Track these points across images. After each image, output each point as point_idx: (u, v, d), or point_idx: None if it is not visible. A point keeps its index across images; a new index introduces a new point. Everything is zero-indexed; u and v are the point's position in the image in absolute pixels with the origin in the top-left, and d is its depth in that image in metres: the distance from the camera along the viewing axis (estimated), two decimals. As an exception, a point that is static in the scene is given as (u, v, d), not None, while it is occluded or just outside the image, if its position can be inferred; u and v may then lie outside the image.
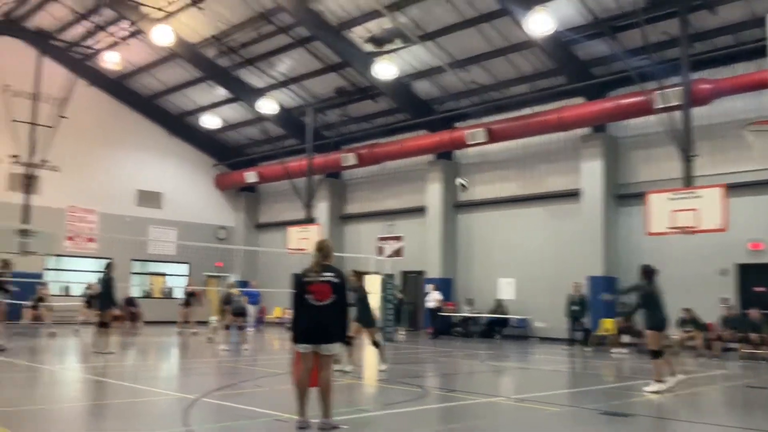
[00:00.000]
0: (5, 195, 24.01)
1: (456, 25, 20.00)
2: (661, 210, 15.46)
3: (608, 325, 18.78)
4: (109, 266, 14.51)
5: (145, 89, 28.80)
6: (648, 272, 10.60)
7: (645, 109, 17.93)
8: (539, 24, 17.84)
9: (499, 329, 22.16)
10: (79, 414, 7.99)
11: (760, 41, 11.24)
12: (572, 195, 20.98)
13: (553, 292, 20.05)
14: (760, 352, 15.33)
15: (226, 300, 16.99)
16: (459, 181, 21.96)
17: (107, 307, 14.20)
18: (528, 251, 22.04)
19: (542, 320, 21.48)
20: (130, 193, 28.70)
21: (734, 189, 16.15)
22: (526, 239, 22.17)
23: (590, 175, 20.39)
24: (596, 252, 19.92)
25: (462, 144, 22.74)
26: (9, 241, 20.06)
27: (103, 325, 13.98)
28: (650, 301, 10.36)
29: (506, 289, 22.51)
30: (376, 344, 11.85)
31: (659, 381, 9.85)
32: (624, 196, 20.09)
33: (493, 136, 21.79)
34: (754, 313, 15.69)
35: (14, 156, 23.12)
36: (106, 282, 14.27)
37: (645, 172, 19.85)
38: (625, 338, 18.02)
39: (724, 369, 13.80)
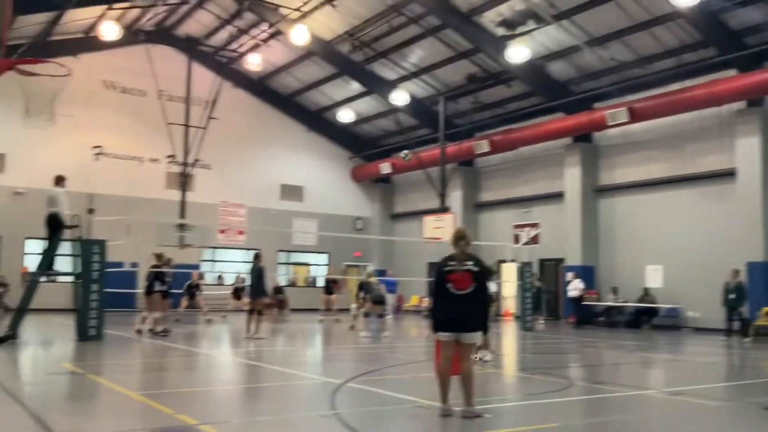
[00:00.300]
0: (164, 193, 26.05)
1: (593, 0, 19.13)
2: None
3: (771, 314, 17.29)
4: (257, 257, 15.32)
5: (285, 88, 30.09)
6: None
7: (811, 78, 16.28)
8: (685, -7, 16.66)
9: (647, 319, 21.07)
10: (236, 396, 8.53)
11: None
12: (727, 175, 19.48)
13: (707, 280, 18.77)
14: None
15: (365, 288, 17.42)
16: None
17: (259, 295, 15.01)
18: (677, 236, 20.75)
19: (695, 309, 20.17)
20: (274, 188, 30.16)
21: None
22: (675, 223, 20.88)
23: (747, 152, 18.82)
24: (756, 236, 18.38)
25: (602, 125, 21.79)
26: (169, 235, 21.78)
27: (255, 312, 14.82)
28: None
29: (654, 277, 21.35)
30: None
31: None
32: (788, 174, 18.36)
33: (636, 116, 20.69)
34: None
35: (171, 156, 25.06)
36: (258, 272, 15.05)
37: (813, 146, 18.03)
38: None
39: None
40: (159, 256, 16.06)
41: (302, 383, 9.36)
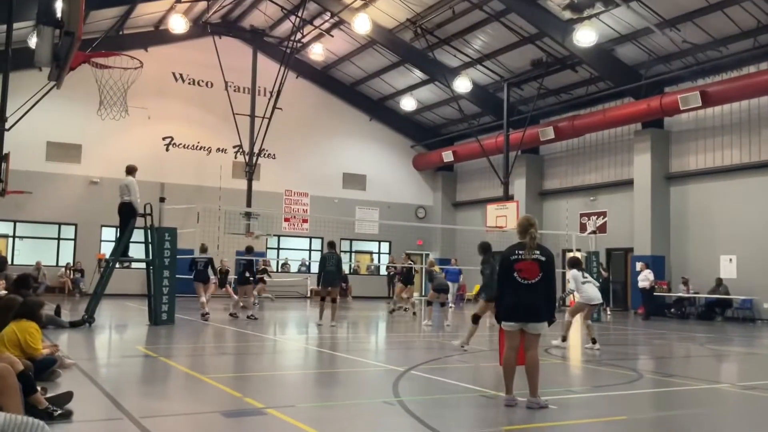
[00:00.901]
0: (231, 182, 26.65)
1: (664, -19, 18.46)
2: None
3: None
4: (332, 245, 15.39)
5: (347, 77, 30.26)
6: None
7: None
8: (765, -30, 15.85)
9: (719, 311, 20.34)
10: (301, 381, 8.68)
11: None
12: (808, 161, 18.53)
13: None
14: None
15: (429, 277, 17.39)
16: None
17: (335, 283, 14.96)
18: (754, 225, 19.91)
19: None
20: (337, 177, 30.45)
21: None
22: (752, 212, 20.03)
23: (831, 137, 17.83)
24: (840, 225, 17.43)
25: (674, 110, 21.06)
26: (237, 224, 22.30)
27: (330, 299, 14.83)
28: None
29: (727, 268, 20.57)
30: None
31: None
32: None
33: (710, 100, 19.91)
34: None
35: (237, 146, 25.61)
36: (336, 260, 14.97)
37: None
38: None
39: None
40: (249, 249, 17.63)
41: (366, 370, 9.45)
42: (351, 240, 30.92)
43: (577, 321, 12.41)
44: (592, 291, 11.82)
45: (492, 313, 10.72)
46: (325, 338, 13.25)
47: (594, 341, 11.50)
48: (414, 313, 18.98)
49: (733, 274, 20.45)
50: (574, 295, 13.92)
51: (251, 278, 17.09)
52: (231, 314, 16.52)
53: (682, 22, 19.68)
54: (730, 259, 20.58)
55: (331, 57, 28.72)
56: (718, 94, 19.85)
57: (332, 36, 26.78)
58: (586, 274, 12.21)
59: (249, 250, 17.73)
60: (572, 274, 11.98)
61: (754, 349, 13.77)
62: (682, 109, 20.63)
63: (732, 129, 20.89)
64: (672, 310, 21.31)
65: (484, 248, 11.40)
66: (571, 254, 15.40)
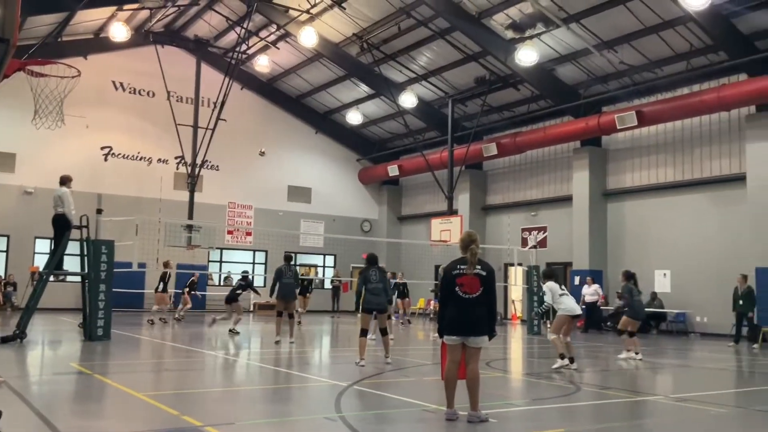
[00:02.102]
0: (172, 194, 26.12)
1: (603, 4, 19.10)
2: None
3: (780, 320, 17.17)
4: (288, 259, 15.07)
5: (293, 89, 30.18)
6: None
7: (822, 83, 16.17)
8: (695, -3, 16.59)
9: (654, 324, 20.98)
10: (241, 397, 8.53)
11: None
12: (737, 180, 19.40)
13: (716, 285, 18.68)
14: None
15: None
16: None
17: (292, 297, 14.60)
18: (686, 241, 20.67)
19: (703, 315, 20.08)
20: (282, 189, 30.24)
21: None
22: (684, 228, 20.80)
23: (758, 157, 18.73)
24: (765, 241, 18.30)
25: (611, 129, 21.74)
26: (178, 236, 21.85)
27: (286, 315, 14.47)
28: None
29: (662, 282, 21.27)
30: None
31: None
32: (798, 179, 18.26)
33: (645, 120, 20.63)
34: None
35: (179, 157, 25.15)
36: (294, 273, 14.80)
37: (823, 152, 17.93)
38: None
39: None
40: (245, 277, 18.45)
41: (309, 385, 9.36)
42: (296, 253, 30.59)
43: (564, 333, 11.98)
44: (571, 302, 11.43)
45: (378, 323, 10.90)
46: (268, 353, 13.08)
47: (572, 360, 11.03)
48: (299, 322, 19.10)
49: (667, 288, 21.16)
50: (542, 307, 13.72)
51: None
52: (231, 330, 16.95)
53: (620, 44, 20.39)
54: (664, 274, 21.29)
55: (277, 69, 28.60)
56: (653, 114, 20.60)
57: (278, 48, 26.68)
58: (563, 286, 11.75)
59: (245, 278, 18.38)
60: (549, 286, 11.49)
61: (687, 362, 14.24)
62: (618, 128, 21.31)
63: (666, 148, 21.70)
64: (608, 323, 21.86)
65: (368, 260, 11.21)
66: (544, 267, 15.53)
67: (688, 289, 20.49)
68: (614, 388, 9.54)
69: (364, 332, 11.01)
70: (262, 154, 25.85)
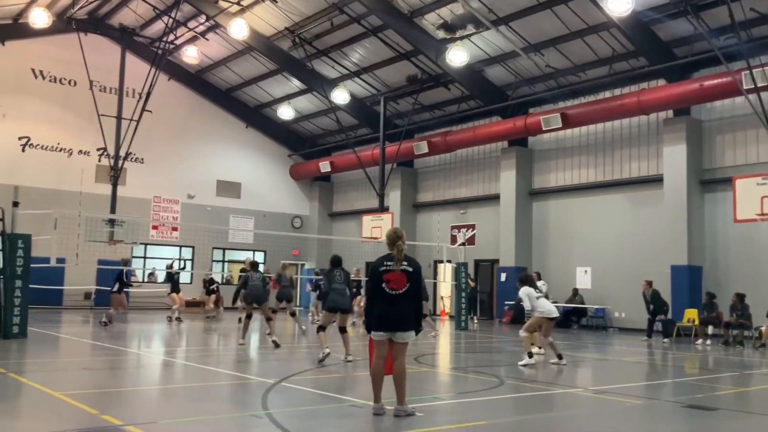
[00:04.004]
0: (94, 187, 25.21)
1: (531, 8, 19.58)
2: (750, 196, 14.78)
3: (692, 315, 18.10)
4: (255, 266, 14.67)
5: (223, 82, 29.63)
6: None
7: (731, 91, 17.13)
8: (618, 4, 17.23)
9: (575, 319, 21.72)
10: (164, 396, 8.35)
11: None
12: (654, 181, 20.28)
13: (633, 282, 19.45)
14: None
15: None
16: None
17: (263, 299, 14.01)
18: (606, 239, 21.47)
19: (621, 310, 20.92)
20: (211, 184, 29.65)
21: (831, 173, 15.24)
22: (605, 227, 21.60)
23: (673, 160, 19.63)
24: (680, 240, 19.19)
25: (537, 130, 22.32)
26: (100, 231, 21.12)
27: (266, 319, 13.87)
28: None
29: (583, 279, 22.03)
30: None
31: None
32: (709, 181, 19.27)
33: (569, 122, 21.29)
34: None
35: (102, 149, 24.29)
36: (262, 277, 14.29)
37: (732, 156, 18.98)
38: (710, 329, 17.35)
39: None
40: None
41: (235, 383, 9.24)
42: (224, 249, 30.15)
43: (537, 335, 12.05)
44: (548, 305, 11.70)
45: (338, 322, 10.96)
46: (193, 351, 12.83)
47: (560, 357, 11.40)
48: (178, 319, 19.02)
49: (588, 284, 21.94)
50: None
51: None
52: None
53: (546, 48, 20.97)
54: (586, 271, 22.07)
55: (206, 61, 28.02)
56: (577, 117, 21.29)
57: (207, 40, 26.12)
58: (538, 289, 11.95)
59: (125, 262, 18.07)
60: (525, 291, 11.50)
61: (606, 356, 14.82)
62: (544, 129, 21.92)
63: (588, 149, 22.47)
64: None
65: (331, 262, 11.40)
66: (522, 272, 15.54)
67: (607, 286, 21.30)
68: (536, 382, 9.84)
69: (323, 328, 11.13)
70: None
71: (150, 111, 23.62)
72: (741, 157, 18.65)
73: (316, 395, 8.08)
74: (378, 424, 6.39)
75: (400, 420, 6.45)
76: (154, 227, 27.23)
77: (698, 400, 8.36)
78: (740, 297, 16.71)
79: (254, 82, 28.74)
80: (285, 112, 29.51)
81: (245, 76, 28.58)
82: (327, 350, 10.84)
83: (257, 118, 31.03)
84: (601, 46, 20.31)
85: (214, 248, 29.38)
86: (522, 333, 11.72)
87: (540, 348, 12.37)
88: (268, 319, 13.76)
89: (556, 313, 11.76)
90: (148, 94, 23.12)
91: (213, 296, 23.06)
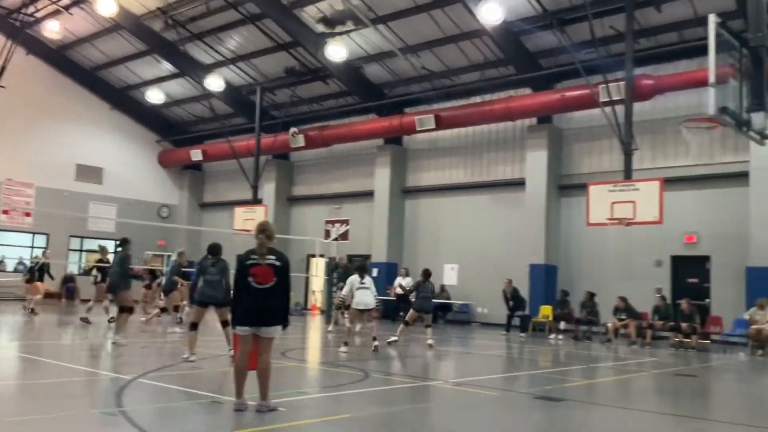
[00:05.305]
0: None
1: (409, 9, 19.97)
2: (601, 201, 15.88)
3: (546, 311, 19.24)
4: (215, 250, 11.41)
5: (87, 61, 27.88)
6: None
7: (589, 102, 18.33)
8: (490, 13, 17.99)
9: (442, 314, 22.45)
10: (7, 393, 7.75)
11: (701, 40, 11.59)
12: (518, 184, 21.33)
13: (496, 279, 20.36)
14: (689, 341, 15.94)
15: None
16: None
17: (123, 288, 12.45)
18: (473, 238, 22.34)
19: (483, 306, 21.87)
20: (70, 168, 27.82)
21: (671, 183, 16.74)
22: (472, 226, 22.46)
23: (535, 165, 20.76)
24: (538, 241, 20.34)
25: (411, 130, 22.81)
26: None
27: (123, 310, 12.28)
28: None
29: (450, 275, 22.80)
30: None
31: None
32: (567, 186, 20.55)
33: (442, 123, 21.93)
34: (685, 304, 16.29)
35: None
36: (122, 260, 12.53)
37: (587, 164, 20.35)
38: (562, 324, 18.54)
39: (655, 357, 14.31)
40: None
41: (89, 379, 8.75)
42: (82, 238, 28.40)
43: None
44: (361, 296, 12.73)
45: (219, 316, 10.53)
46: (45, 345, 12.01)
47: (375, 339, 12.66)
48: (32, 310, 17.86)
49: (454, 281, 22.74)
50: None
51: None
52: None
53: (422, 50, 21.48)
54: (452, 268, 22.86)
55: (70, 37, 26.22)
56: (449, 119, 21.98)
57: (71, 14, 24.45)
58: (363, 281, 12.83)
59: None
60: (351, 278, 12.92)
61: (468, 349, 15.45)
62: (418, 129, 22.44)
63: (459, 151, 23.28)
64: (401, 313, 22.97)
65: (207, 250, 10.67)
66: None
67: (472, 282, 22.19)
68: (400, 375, 10.07)
69: (194, 326, 10.24)
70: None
71: (3, 87, 21.84)
72: (596, 164, 20.05)
73: (176, 391, 7.81)
74: (238, 420, 6.28)
75: (262, 415, 6.38)
76: (5, 212, 25.15)
77: (548, 391, 8.90)
78: (591, 295, 17.99)
79: (122, 63, 27.26)
80: (154, 96, 28.23)
81: (112, 56, 27.04)
82: (193, 357, 10.00)
83: (124, 100, 29.45)
84: (473, 53, 21.09)
85: (71, 236, 27.62)
86: (346, 323, 13.02)
87: (395, 336, 13.53)
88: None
89: (364, 306, 12.73)
90: (3, 69, 21.34)
91: (38, 284, 19.52)
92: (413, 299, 14.86)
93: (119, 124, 29.51)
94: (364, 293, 12.72)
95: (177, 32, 23.43)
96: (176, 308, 16.23)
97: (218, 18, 22.87)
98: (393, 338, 14.13)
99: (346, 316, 22.76)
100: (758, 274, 16.35)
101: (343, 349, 12.45)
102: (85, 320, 15.52)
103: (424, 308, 14.35)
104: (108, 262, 15.79)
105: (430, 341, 13.93)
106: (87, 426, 6.03)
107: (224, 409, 6.72)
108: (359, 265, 13.62)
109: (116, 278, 12.49)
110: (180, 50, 24.70)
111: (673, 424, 7.43)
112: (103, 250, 17.06)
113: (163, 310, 16.23)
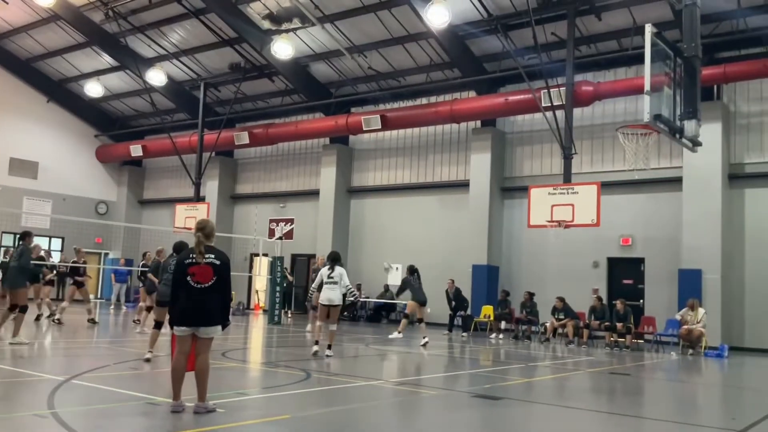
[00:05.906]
0: None
1: (356, 9, 19.98)
2: (542, 204, 16.24)
3: (488, 311, 19.54)
4: (29, 234, 11.95)
5: (23, 51, 26.91)
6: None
7: (531, 107, 18.72)
8: (436, 16, 18.16)
9: (386, 314, 22.53)
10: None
11: (639, 48, 12.00)
12: (462, 186, 21.61)
13: (440, 279, 20.55)
14: (624, 340, 16.45)
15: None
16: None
17: (20, 285, 11.54)
18: (417, 238, 22.50)
19: (428, 306, 21.99)
20: (3, 161, 26.83)
21: (608, 187, 17.25)
22: (416, 227, 22.63)
23: (478, 167, 21.06)
24: (481, 242, 20.64)
25: (357, 129, 22.83)
26: None
27: (15, 308, 11.48)
28: None
29: (394, 275, 22.90)
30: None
31: None
32: (509, 189, 20.93)
33: (388, 124, 22.03)
34: (620, 304, 16.80)
35: None
36: (20, 255, 11.70)
37: (529, 167, 20.78)
38: (503, 324, 18.87)
39: (591, 356, 14.71)
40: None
41: (18, 380, 8.43)
42: (15, 234, 27.31)
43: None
44: (324, 292, 11.94)
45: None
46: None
47: (317, 343, 11.92)
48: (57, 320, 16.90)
49: (398, 281, 22.79)
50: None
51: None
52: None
53: (369, 50, 21.53)
54: (397, 268, 22.97)
55: (4, 26, 25.25)
56: (396, 120, 22.09)
57: (7, 2, 23.53)
58: (331, 275, 12.00)
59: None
60: (339, 270, 12.05)
61: (409, 349, 15.52)
62: (364, 129, 22.49)
63: (405, 152, 23.42)
64: (345, 313, 22.96)
65: (173, 248, 10.25)
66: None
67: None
68: (342, 375, 10.06)
69: (158, 325, 10.04)
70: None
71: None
72: (537, 168, 20.49)
73: (111, 393, 7.61)
74: (176, 422, 6.16)
75: (200, 417, 6.28)
76: (-70, 206, 24.03)
77: (487, 390, 9.04)
78: (530, 295, 18.37)
79: (59, 54, 26.41)
80: (93, 89, 27.45)
81: (49, 47, 26.16)
82: (149, 355, 9.92)
83: (61, 93, 28.54)
84: (420, 54, 21.25)
85: (3, 233, 26.59)
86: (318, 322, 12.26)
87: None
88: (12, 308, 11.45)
89: (328, 301, 11.89)
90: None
91: None
92: (398, 297, 14.95)
93: (56, 117, 28.58)
94: (329, 288, 11.81)
95: (118, 24, 22.82)
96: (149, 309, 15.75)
97: (161, 11, 22.40)
98: (424, 340, 14.72)
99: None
100: (689, 276, 17.01)
101: (314, 349, 11.80)
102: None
103: (421, 299, 15.47)
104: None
105: (425, 339, 14.73)
106: (16, 428, 5.82)
107: (160, 411, 6.58)
108: (331, 254, 12.46)
109: (14, 273, 11.49)
110: (121, 43, 24.09)
111: (607, 422, 7.66)
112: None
113: (149, 309, 15.76)
